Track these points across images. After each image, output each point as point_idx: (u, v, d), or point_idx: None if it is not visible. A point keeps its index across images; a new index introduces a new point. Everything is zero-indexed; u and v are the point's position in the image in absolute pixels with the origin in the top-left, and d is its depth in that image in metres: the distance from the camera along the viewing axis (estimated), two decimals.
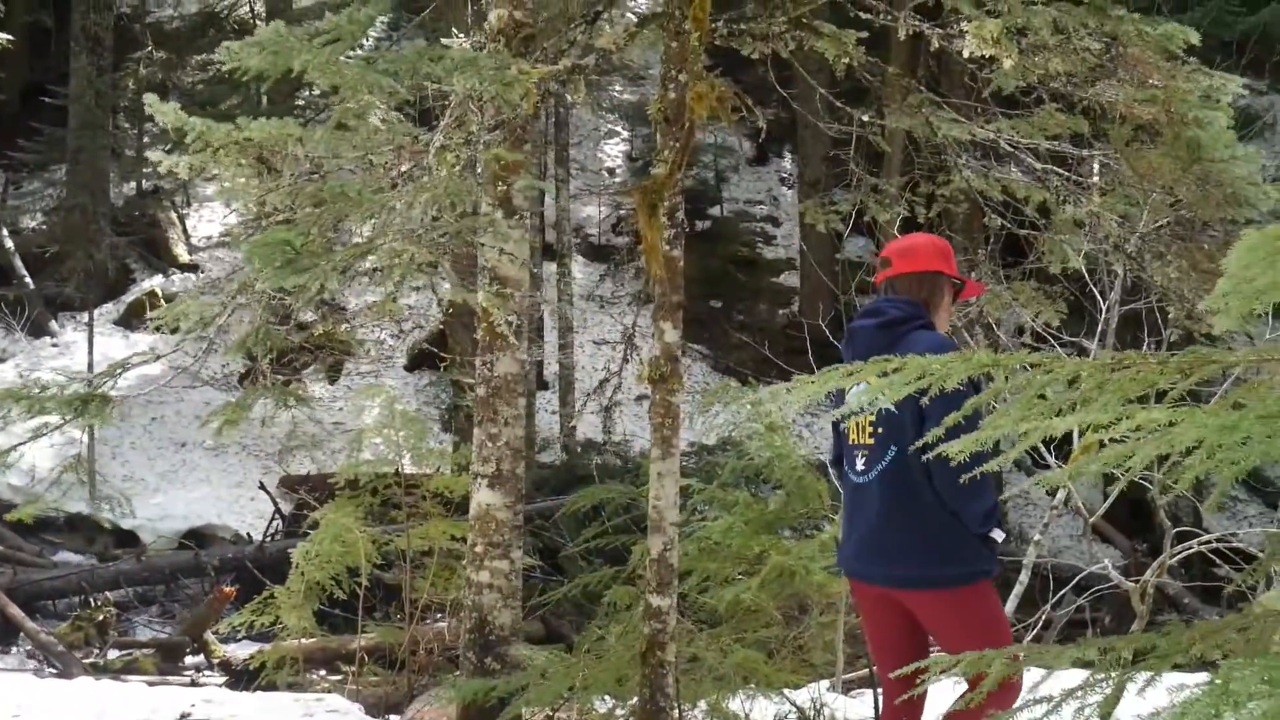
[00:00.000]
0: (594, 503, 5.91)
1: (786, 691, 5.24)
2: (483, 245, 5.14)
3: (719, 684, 4.90)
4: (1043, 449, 5.94)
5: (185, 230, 18.68)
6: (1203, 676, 1.68)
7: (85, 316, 15.47)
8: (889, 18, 5.01)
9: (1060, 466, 5.23)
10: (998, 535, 3.63)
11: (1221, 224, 5.10)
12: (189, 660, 9.99)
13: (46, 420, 4.06)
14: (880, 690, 4.10)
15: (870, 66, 5.17)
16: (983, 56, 4.63)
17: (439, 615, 8.20)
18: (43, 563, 12.27)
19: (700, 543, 5.17)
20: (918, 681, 2.44)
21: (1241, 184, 4.80)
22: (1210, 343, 5.22)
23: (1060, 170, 5.45)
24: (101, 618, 10.45)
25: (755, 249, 20.08)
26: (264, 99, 16.03)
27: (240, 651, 9.57)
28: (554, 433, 15.79)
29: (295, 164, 4.13)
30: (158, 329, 4.36)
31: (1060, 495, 6.56)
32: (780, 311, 18.90)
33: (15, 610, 10.27)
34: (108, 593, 11.32)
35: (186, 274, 17.89)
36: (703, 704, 5.00)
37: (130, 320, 16.71)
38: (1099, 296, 6.71)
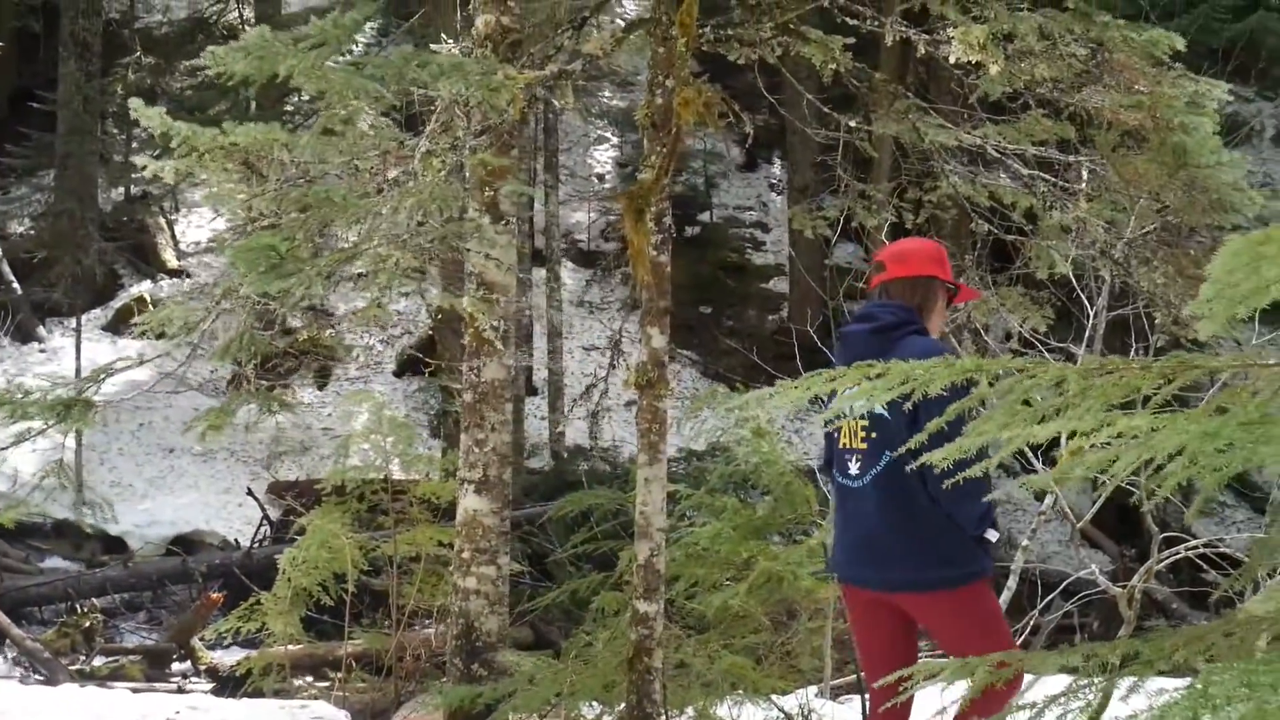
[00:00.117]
0: (582, 508, 5.91)
1: (774, 697, 5.23)
2: (469, 250, 5.13)
3: (707, 690, 4.90)
4: (1029, 453, 5.95)
5: (174, 236, 18.63)
6: (1185, 681, 1.68)
7: (73, 322, 15.41)
8: (876, 24, 5.02)
9: (1046, 471, 5.23)
10: (992, 536, 3.65)
11: (1208, 229, 5.11)
12: (176, 667, 9.95)
13: (30, 425, 4.05)
14: (868, 696, 4.10)
15: (857, 72, 5.17)
16: (969, 62, 4.64)
17: (426, 621, 8.18)
18: (29, 569, 12.21)
19: (688, 548, 5.17)
20: (900, 690, 2.43)
21: (1227, 189, 4.82)
22: (1197, 348, 5.23)
23: (1047, 176, 5.46)
24: (88, 624, 10.41)
25: (744, 255, 20.10)
26: (253, 104, 15.98)
27: (227, 658, 9.55)
28: (543, 438, 15.77)
29: (281, 169, 4.12)
30: (143, 334, 4.33)
31: (1048, 501, 6.57)
32: (769, 317, 18.92)
33: (1, 617, 10.22)
34: (95, 599, 11.27)
35: (175, 280, 17.85)
36: (690, 710, 4.99)
37: (118, 326, 16.66)
38: (1086, 302, 6.72)
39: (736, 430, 5.60)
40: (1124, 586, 5.58)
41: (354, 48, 4.76)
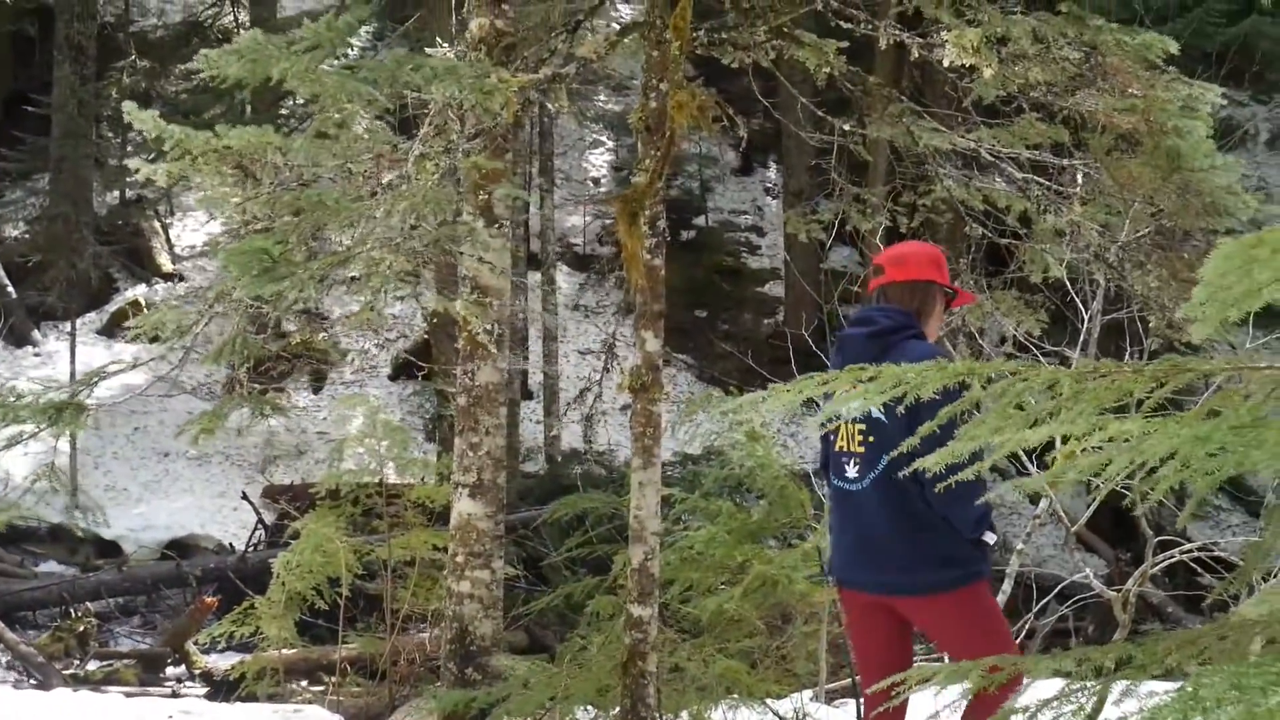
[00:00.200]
0: (576, 512, 5.91)
1: (769, 701, 5.22)
2: (462, 254, 5.13)
3: (701, 694, 4.89)
4: (1024, 457, 5.95)
5: (169, 239, 18.61)
6: (1178, 685, 1.68)
7: (68, 326, 15.40)
8: (870, 27, 5.02)
9: (1040, 474, 5.23)
10: (990, 538, 3.65)
11: (1202, 233, 5.11)
12: (170, 671, 9.94)
13: (21, 429, 4.04)
14: (863, 700, 4.09)
15: (851, 76, 5.18)
16: (963, 66, 4.64)
17: (421, 625, 8.17)
18: (23, 573, 12.18)
19: (683, 552, 5.16)
20: (893, 694, 2.43)
21: (1221, 193, 4.82)
22: (1191, 351, 5.23)
23: (1041, 179, 5.46)
24: (82, 628, 10.39)
25: (740, 259, 20.11)
26: (248, 108, 15.97)
27: (221, 662, 9.53)
28: (538, 442, 15.77)
29: (275, 172, 4.11)
30: (136, 338, 4.33)
31: (1043, 504, 6.57)
32: (765, 321, 18.92)
33: None
34: (89, 603, 11.24)
35: (170, 283, 17.83)
36: (685, 714, 4.99)
37: (113, 330, 16.64)
38: (1080, 306, 6.72)
39: (731, 434, 5.60)
40: (1119, 590, 5.59)
41: (348, 51, 4.76)
